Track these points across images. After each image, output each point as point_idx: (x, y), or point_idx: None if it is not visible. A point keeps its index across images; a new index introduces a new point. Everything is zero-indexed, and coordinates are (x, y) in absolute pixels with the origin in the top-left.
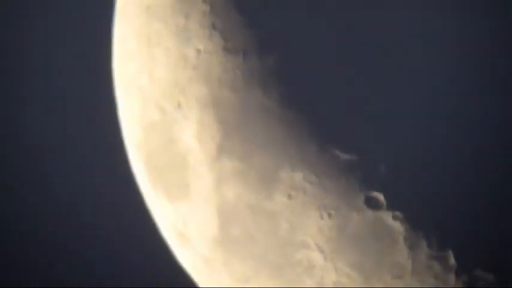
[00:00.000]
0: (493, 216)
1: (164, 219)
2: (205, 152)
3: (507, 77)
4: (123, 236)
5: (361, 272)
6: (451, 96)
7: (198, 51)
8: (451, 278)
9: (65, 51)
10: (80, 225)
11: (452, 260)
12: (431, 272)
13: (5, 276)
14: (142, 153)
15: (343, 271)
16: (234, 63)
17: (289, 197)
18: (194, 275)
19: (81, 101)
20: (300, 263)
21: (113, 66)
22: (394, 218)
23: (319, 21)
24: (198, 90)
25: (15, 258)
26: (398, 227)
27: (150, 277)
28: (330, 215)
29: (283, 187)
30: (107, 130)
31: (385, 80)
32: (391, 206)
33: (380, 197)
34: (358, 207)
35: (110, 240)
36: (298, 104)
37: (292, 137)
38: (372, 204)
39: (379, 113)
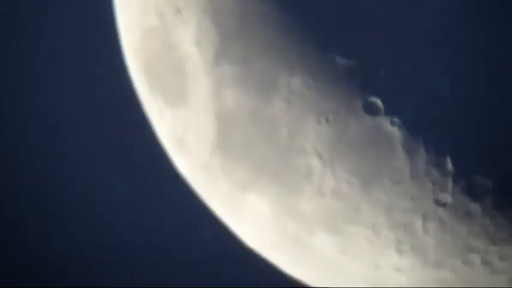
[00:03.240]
0: (492, 121)
1: (162, 124)
2: (204, 58)
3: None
4: (120, 141)
5: (359, 178)
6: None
7: None
8: (449, 184)
9: None
10: (78, 134)
11: (450, 166)
12: (429, 178)
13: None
14: (141, 58)
15: (342, 176)
16: None
17: (288, 101)
18: (192, 180)
19: (80, 10)
20: (298, 169)
21: None
22: (392, 123)
23: None
24: None
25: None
26: (396, 132)
27: (148, 183)
28: (328, 120)
29: (282, 92)
30: (105, 35)
31: None
32: (389, 112)
33: (378, 102)
34: (356, 112)
35: (107, 147)
36: (298, 8)
37: (292, 41)
38: (370, 109)
39: (381, 17)
